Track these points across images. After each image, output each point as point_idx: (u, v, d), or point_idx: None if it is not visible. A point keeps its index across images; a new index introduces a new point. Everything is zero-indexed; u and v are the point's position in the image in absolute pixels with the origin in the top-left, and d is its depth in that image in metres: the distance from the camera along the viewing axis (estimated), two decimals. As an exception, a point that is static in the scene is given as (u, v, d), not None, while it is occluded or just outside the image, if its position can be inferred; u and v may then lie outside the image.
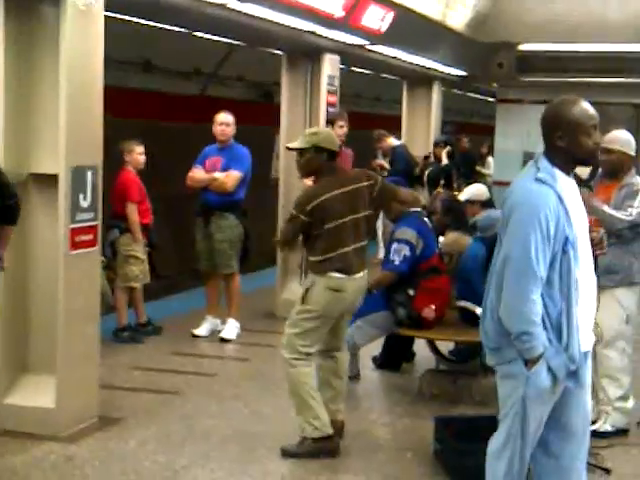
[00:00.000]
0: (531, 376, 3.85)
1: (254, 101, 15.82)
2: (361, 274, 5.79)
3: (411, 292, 6.98)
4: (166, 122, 13.77)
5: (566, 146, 3.89)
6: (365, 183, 5.82)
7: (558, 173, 3.90)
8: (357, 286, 5.77)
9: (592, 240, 3.95)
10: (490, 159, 16.71)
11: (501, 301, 3.86)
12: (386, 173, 11.86)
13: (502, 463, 4.00)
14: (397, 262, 6.95)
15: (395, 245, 6.99)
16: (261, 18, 8.11)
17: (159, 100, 13.89)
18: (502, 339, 3.92)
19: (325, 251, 5.64)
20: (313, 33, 9.08)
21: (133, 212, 8.38)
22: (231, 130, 8.60)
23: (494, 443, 4.08)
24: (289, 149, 6.09)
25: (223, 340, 8.62)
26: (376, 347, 7.74)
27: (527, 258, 3.75)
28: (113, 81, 11.71)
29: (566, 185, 3.92)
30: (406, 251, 6.94)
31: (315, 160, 5.78)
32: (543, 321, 3.81)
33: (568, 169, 3.95)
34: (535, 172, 3.87)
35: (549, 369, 3.83)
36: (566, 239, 3.79)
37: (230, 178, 8.45)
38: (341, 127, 9.14)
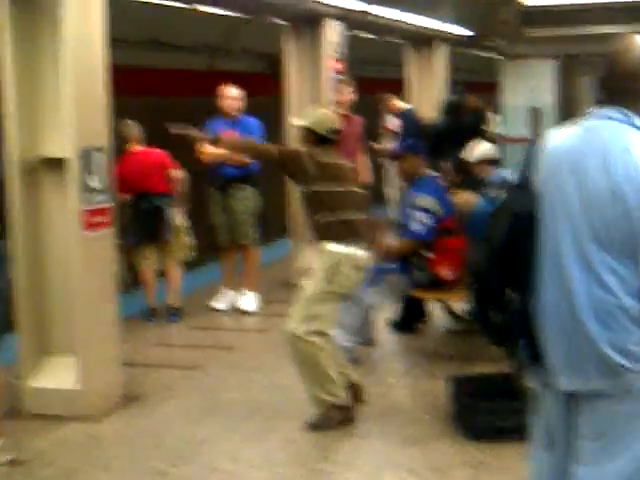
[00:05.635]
0: None
1: (262, 72, 15.80)
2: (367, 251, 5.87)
3: (428, 254, 7.02)
4: (177, 98, 13.79)
5: None
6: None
7: None
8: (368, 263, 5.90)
9: None
10: (494, 116, 16.58)
11: None
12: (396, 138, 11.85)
13: None
14: (417, 230, 6.98)
15: (415, 213, 7.02)
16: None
17: (168, 76, 13.91)
18: None
19: (332, 213, 5.67)
20: (313, 0, 9.07)
21: (181, 176, 8.49)
22: (239, 103, 8.63)
23: None
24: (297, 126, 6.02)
25: (242, 312, 8.72)
26: (391, 310, 7.81)
27: None
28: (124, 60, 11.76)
29: None
30: (426, 219, 6.97)
31: (306, 140, 5.85)
32: None
33: None
34: None
35: None
36: None
37: None
38: (343, 94, 9.18)
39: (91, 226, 5.95)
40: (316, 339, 5.64)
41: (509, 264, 3.19)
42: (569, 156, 3.10)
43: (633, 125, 3.05)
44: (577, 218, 3.05)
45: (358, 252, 5.71)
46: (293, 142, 9.65)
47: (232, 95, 8.61)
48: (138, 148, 8.44)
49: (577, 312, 3.05)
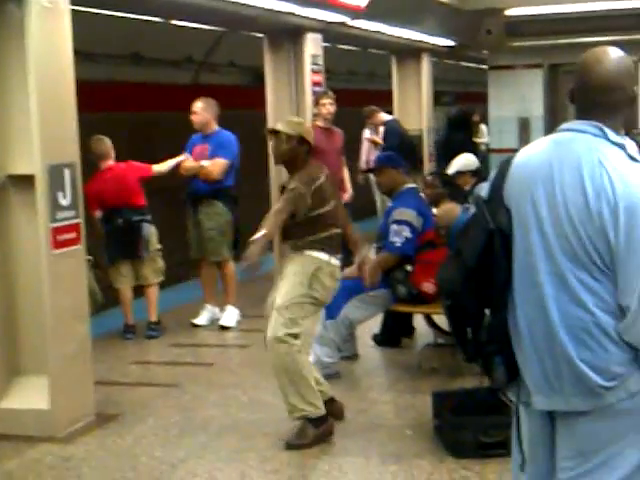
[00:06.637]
0: None
1: (247, 86, 15.75)
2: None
3: (409, 268, 6.90)
4: (163, 112, 13.72)
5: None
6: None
7: None
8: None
9: None
10: (483, 127, 16.57)
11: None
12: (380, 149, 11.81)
13: None
14: (398, 244, 6.84)
15: (395, 226, 6.87)
16: (236, 2, 8.03)
17: (151, 91, 13.83)
18: (631, 368, 2.94)
19: (321, 230, 5.59)
20: (292, 13, 8.99)
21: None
22: (201, 117, 8.44)
23: None
24: (273, 132, 5.76)
25: (223, 328, 8.58)
26: (375, 325, 7.68)
27: None
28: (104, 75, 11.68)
29: None
30: (407, 232, 6.83)
31: (297, 150, 5.65)
32: None
33: None
34: (621, 150, 2.94)
35: None
36: None
37: (216, 166, 8.36)
38: (324, 105, 9.06)
39: (60, 243, 5.82)
40: (297, 342, 5.51)
41: (482, 282, 3.08)
42: (541, 170, 2.98)
43: (607, 139, 2.93)
44: (551, 234, 2.95)
45: (334, 261, 5.65)
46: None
47: (195, 109, 8.47)
48: (111, 163, 8.27)
49: (552, 330, 2.95)
